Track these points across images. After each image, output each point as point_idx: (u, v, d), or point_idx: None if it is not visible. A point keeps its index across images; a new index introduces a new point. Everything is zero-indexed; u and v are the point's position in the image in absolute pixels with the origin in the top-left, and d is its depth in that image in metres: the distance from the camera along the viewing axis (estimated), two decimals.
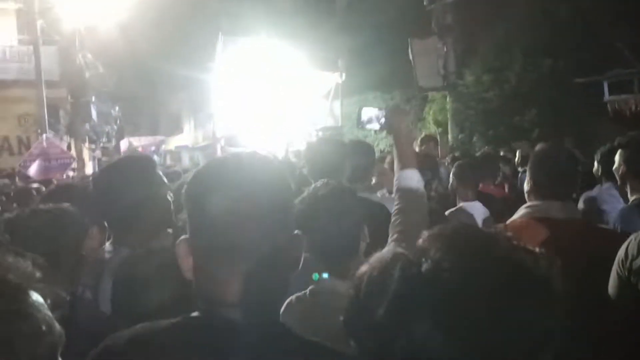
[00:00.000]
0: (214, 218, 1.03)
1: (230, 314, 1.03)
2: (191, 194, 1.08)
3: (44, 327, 0.81)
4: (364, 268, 0.88)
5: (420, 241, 0.85)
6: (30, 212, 1.93)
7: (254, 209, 1.04)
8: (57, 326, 0.85)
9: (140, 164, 1.98)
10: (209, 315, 1.05)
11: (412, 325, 0.76)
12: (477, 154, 6.17)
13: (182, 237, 1.09)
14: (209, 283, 1.05)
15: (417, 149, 6.24)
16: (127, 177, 1.88)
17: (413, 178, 2.09)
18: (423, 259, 0.80)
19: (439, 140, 8.62)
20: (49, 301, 0.86)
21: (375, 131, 2.32)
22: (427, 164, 4.11)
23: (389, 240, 2.00)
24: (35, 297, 0.83)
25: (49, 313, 0.84)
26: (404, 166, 2.11)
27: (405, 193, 2.05)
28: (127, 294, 1.49)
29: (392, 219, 2.04)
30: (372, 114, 2.37)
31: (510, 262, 0.79)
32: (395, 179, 2.11)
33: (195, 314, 1.07)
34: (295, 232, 1.12)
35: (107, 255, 1.84)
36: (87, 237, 2.16)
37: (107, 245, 1.81)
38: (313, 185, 2.02)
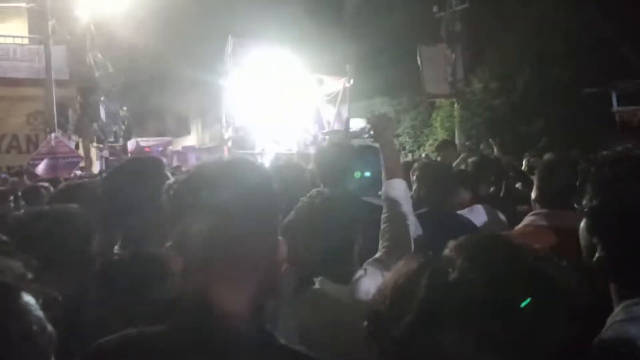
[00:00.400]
0: (199, 225, 1.04)
1: (217, 321, 1.04)
2: (176, 201, 1.09)
3: (35, 328, 0.81)
4: (388, 277, 0.88)
5: (447, 250, 0.85)
6: (35, 212, 1.94)
7: (239, 215, 1.05)
8: (50, 327, 0.85)
9: (149, 165, 1.96)
10: (196, 321, 1.05)
11: (439, 335, 0.77)
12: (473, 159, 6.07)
13: (169, 243, 1.09)
14: (196, 289, 1.06)
15: (435, 155, 6.17)
16: (136, 179, 1.87)
17: (399, 187, 2.13)
18: (450, 269, 0.80)
19: (457, 146, 8.52)
20: (40, 301, 0.86)
21: None
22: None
23: (379, 247, 2.03)
24: (27, 297, 0.83)
25: (41, 314, 0.84)
26: (390, 176, 2.15)
27: (392, 202, 2.09)
28: (108, 298, 1.49)
29: (381, 227, 2.08)
30: (360, 125, 2.41)
31: (536, 272, 0.80)
32: (382, 188, 2.14)
33: (182, 319, 1.07)
34: (279, 238, 1.14)
35: (115, 258, 1.83)
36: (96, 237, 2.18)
37: (117, 248, 1.82)
38: (310, 194, 2.06)
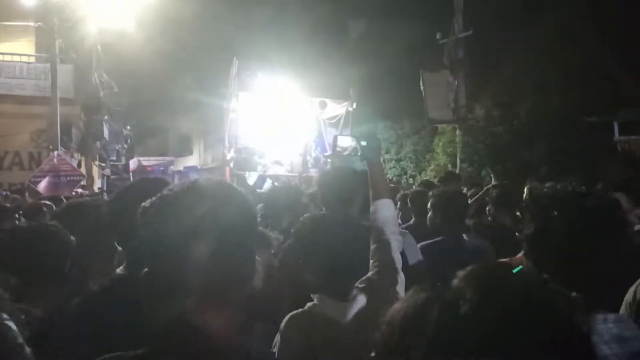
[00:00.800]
0: (174, 249, 1.04)
1: (200, 342, 1.04)
2: (151, 226, 1.09)
3: (13, 348, 0.81)
4: (396, 306, 0.87)
5: (455, 281, 0.83)
6: (10, 230, 1.93)
7: (214, 238, 1.05)
8: (27, 349, 0.84)
9: (156, 185, 1.89)
10: (177, 344, 1.05)
11: None
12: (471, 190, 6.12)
13: (145, 269, 1.09)
14: (176, 312, 1.05)
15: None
16: (143, 199, 1.87)
17: (388, 207, 2.19)
18: (460, 302, 0.78)
19: (461, 177, 8.41)
20: (21, 318, 0.85)
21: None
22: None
23: (370, 266, 2.09)
24: (4, 316, 0.83)
25: (18, 333, 0.84)
26: (378, 196, 2.21)
27: (381, 222, 2.15)
28: (83, 328, 1.49)
29: (371, 246, 2.14)
30: (347, 144, 2.43)
31: (547, 305, 0.79)
32: (371, 208, 2.19)
33: (161, 343, 1.07)
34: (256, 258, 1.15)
35: (116, 278, 1.81)
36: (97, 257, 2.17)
37: (120, 269, 1.81)
38: (309, 216, 2.13)
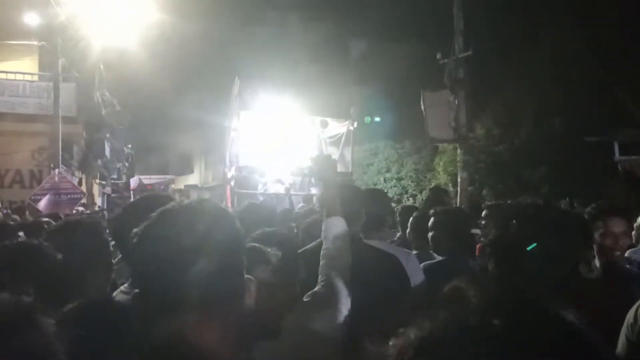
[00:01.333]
0: (165, 269, 1.06)
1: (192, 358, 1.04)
2: (141, 247, 1.10)
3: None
4: (410, 328, 0.79)
5: (474, 302, 0.79)
6: None
7: (202, 257, 1.06)
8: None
9: (161, 202, 1.95)
10: None
11: None
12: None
13: (135, 291, 1.11)
14: (168, 332, 1.06)
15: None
16: (148, 215, 1.88)
17: (338, 225, 2.24)
18: (483, 323, 0.73)
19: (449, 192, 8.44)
20: None
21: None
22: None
23: (319, 280, 2.14)
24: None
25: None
26: (330, 214, 2.27)
27: (332, 239, 2.21)
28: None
29: (320, 262, 2.20)
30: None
31: (573, 332, 0.75)
32: (322, 225, 2.27)
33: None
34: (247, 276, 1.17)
35: (121, 296, 1.84)
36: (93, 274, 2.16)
37: (125, 287, 1.80)
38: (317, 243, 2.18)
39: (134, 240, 1.12)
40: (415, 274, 2.90)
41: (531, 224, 1.79)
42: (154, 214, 1.15)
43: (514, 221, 1.81)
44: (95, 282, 2.16)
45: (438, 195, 6.68)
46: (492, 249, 1.87)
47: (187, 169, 38.82)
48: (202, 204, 1.17)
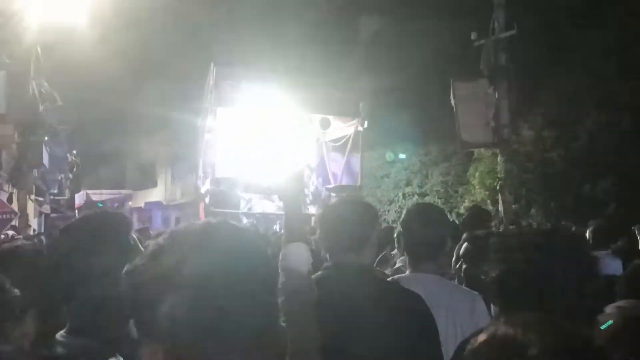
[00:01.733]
0: (179, 307, 1.11)
1: None
2: (149, 285, 1.15)
3: None
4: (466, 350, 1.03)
5: (521, 325, 1.03)
6: None
7: (222, 292, 1.13)
8: None
9: (110, 224, 1.94)
10: None
11: None
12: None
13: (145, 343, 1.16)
14: None
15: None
16: (93, 241, 1.84)
17: (299, 253, 2.29)
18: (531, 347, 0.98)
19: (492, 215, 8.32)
20: None
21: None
22: None
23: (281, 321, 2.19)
24: None
25: None
26: (291, 239, 2.33)
27: (290, 271, 2.26)
28: None
29: (279, 298, 2.21)
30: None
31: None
32: (281, 251, 2.32)
33: None
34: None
35: (58, 350, 1.76)
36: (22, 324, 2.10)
37: (60, 335, 1.74)
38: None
39: (138, 276, 1.18)
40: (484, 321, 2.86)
41: (537, 254, 1.93)
42: (164, 240, 1.20)
43: (519, 254, 1.97)
44: (35, 326, 2.15)
45: (480, 217, 6.39)
46: (499, 288, 1.99)
47: (149, 182, 38.87)
48: (223, 226, 1.25)
